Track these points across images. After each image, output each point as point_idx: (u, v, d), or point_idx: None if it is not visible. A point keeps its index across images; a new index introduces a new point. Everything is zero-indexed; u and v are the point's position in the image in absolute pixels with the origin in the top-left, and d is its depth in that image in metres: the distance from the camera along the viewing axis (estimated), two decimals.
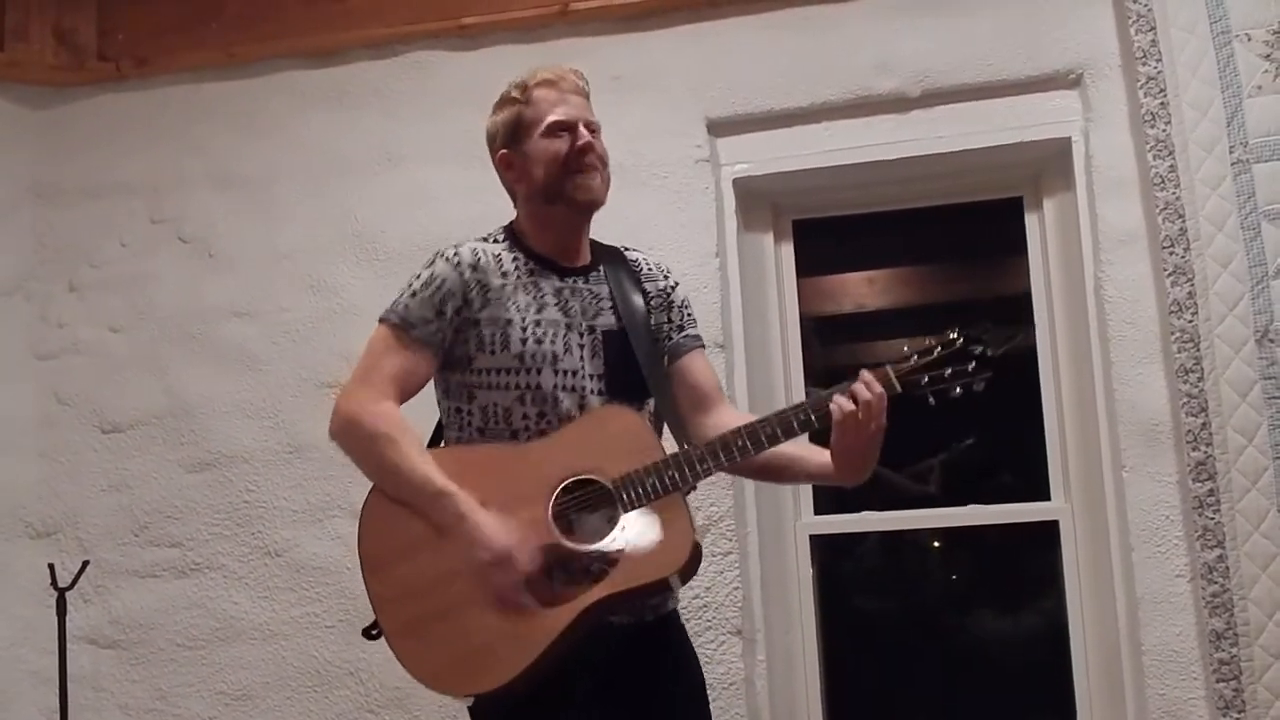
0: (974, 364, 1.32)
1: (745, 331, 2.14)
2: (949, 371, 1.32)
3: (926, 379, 1.32)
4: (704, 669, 2.02)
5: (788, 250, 2.25)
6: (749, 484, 2.10)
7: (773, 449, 1.35)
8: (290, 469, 2.22)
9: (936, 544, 2.27)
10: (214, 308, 2.29)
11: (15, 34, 2.35)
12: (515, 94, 1.46)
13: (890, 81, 2.09)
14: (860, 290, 2.37)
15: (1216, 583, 1.85)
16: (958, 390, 1.32)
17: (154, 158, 2.35)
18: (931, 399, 1.33)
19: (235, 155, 2.33)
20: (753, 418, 1.39)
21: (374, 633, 1.36)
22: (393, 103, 2.28)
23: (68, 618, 2.09)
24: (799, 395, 2.20)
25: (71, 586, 2.10)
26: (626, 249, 1.54)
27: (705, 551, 2.02)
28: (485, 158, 2.22)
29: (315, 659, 2.17)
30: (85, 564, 2.16)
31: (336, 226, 2.27)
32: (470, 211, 2.23)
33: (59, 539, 2.28)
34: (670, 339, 1.50)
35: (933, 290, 2.41)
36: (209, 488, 2.24)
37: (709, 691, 1.97)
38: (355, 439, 1.37)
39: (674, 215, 2.14)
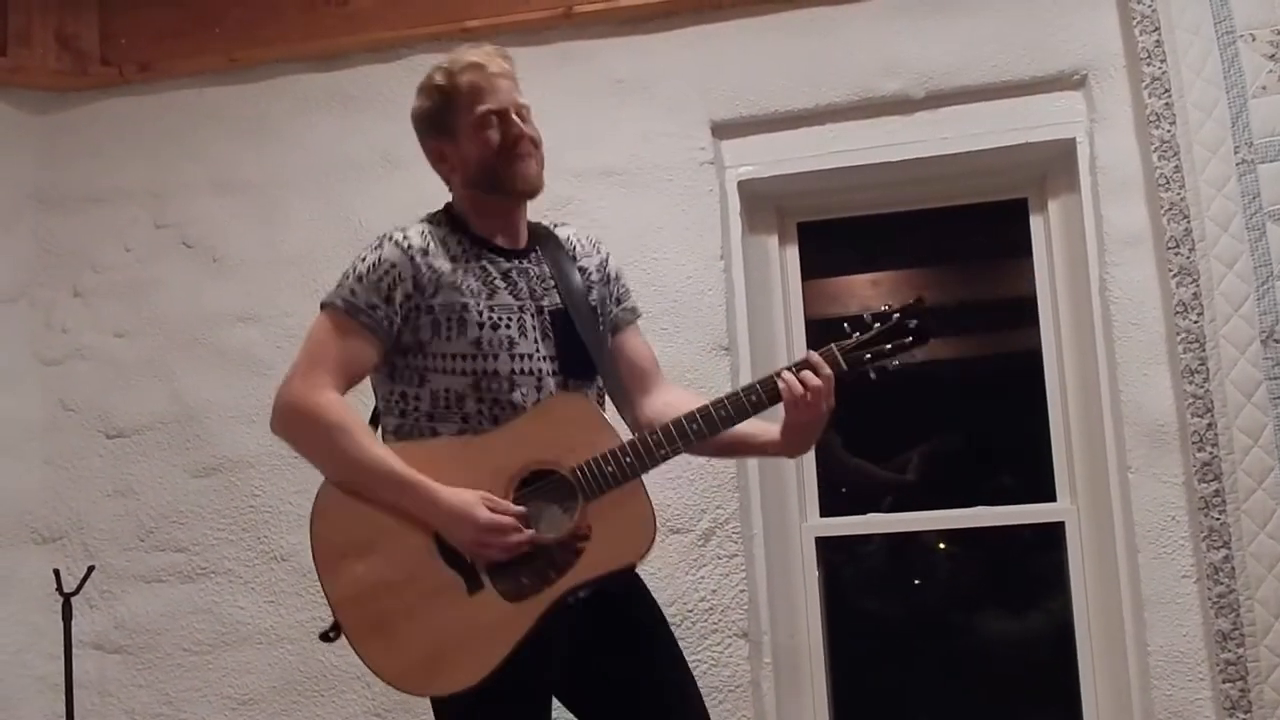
0: (910, 338, 1.36)
1: (750, 334, 2.14)
2: (889, 345, 1.36)
3: (869, 355, 1.36)
4: (710, 672, 2.03)
5: (792, 252, 2.25)
6: (755, 486, 2.10)
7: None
8: (295, 473, 2.22)
9: (942, 545, 2.27)
10: (218, 313, 2.29)
11: (18, 39, 2.34)
12: (440, 80, 1.43)
13: (895, 83, 2.09)
14: (865, 292, 2.37)
15: (1222, 583, 1.85)
16: (895, 362, 1.37)
17: (157, 163, 2.35)
18: (873, 374, 1.37)
19: (238, 160, 2.32)
20: (698, 399, 1.41)
21: (331, 635, 1.33)
22: (395, 106, 2.26)
23: (73, 623, 2.09)
24: None
25: (77, 592, 2.11)
26: (556, 225, 1.52)
27: (711, 554, 2.05)
28: None
29: (321, 663, 2.17)
30: (91, 569, 2.16)
31: (340, 230, 2.27)
32: None
33: (64, 544, 2.28)
34: (610, 313, 1.50)
35: (937, 292, 2.41)
36: (214, 492, 2.24)
37: (716, 694, 1.99)
38: (304, 430, 1.34)
39: (678, 218, 2.14)
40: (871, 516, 2.18)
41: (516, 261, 1.43)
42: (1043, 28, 2.05)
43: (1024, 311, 2.14)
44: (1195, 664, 1.87)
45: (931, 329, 1.36)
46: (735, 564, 2.04)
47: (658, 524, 1.34)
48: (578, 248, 1.50)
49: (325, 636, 1.34)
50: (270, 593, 2.21)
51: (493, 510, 1.30)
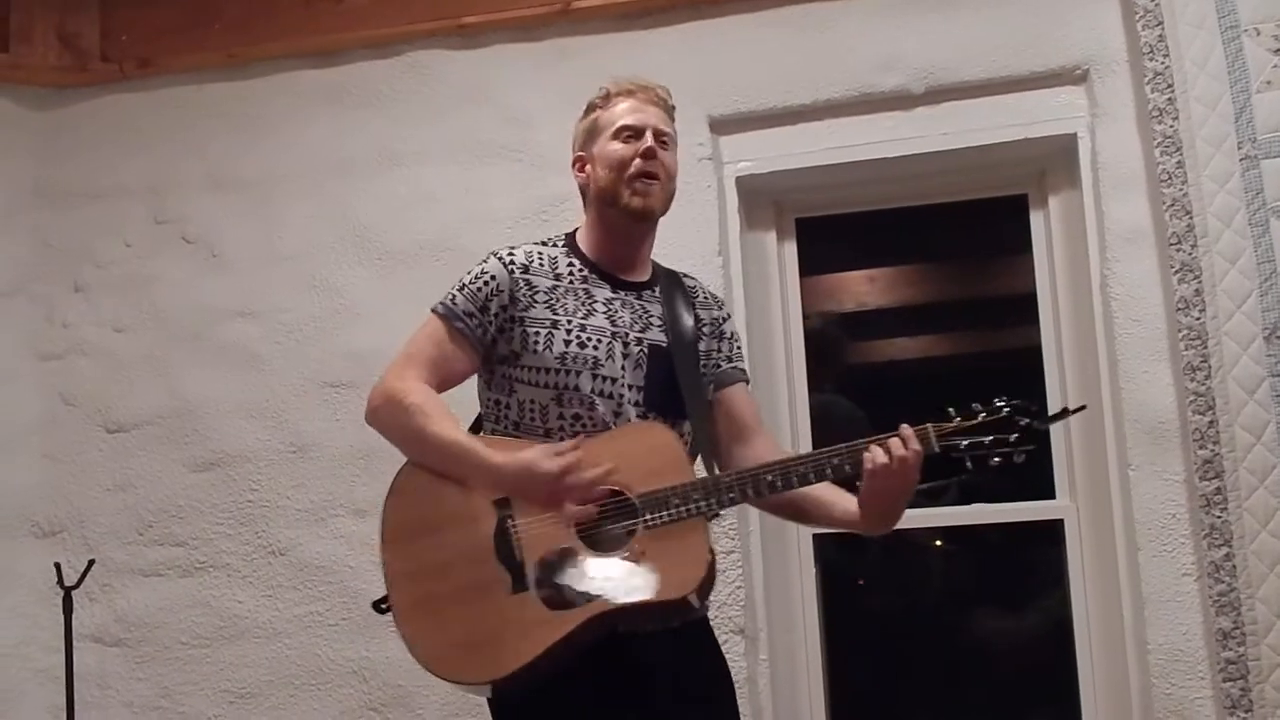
0: (1016, 435, 1.32)
1: (748, 330, 2.13)
2: (990, 439, 1.32)
3: (966, 443, 1.32)
4: None
5: (791, 248, 2.24)
6: None
7: (799, 489, 1.37)
8: (293, 468, 2.23)
9: (939, 542, 2.26)
10: (217, 308, 2.30)
11: (19, 36, 2.36)
12: (598, 100, 1.50)
13: (894, 78, 2.08)
14: (863, 288, 2.36)
15: (1223, 581, 1.83)
16: (996, 460, 1.32)
17: (156, 159, 2.36)
18: (969, 463, 1.33)
19: (237, 156, 2.33)
20: (786, 452, 1.43)
21: (383, 606, 1.37)
22: (393, 103, 2.28)
23: (74, 616, 2.11)
24: (801, 394, 2.20)
25: (77, 585, 2.12)
26: (685, 275, 1.56)
27: None
28: (485, 157, 2.25)
29: (318, 657, 2.18)
30: (91, 563, 2.17)
31: (337, 227, 2.27)
32: (470, 211, 2.24)
33: (65, 538, 2.29)
34: (719, 367, 1.52)
35: (937, 289, 2.40)
36: (213, 487, 2.25)
37: None
38: (386, 412, 1.39)
39: (676, 214, 2.07)
40: None
41: (624, 293, 1.46)
42: (1044, 22, 2.04)
43: (1024, 308, 2.13)
44: (1196, 662, 1.86)
45: (1039, 434, 1.31)
46: (732, 560, 2.04)
47: (715, 568, 1.33)
48: (699, 298, 1.54)
49: (377, 606, 1.38)
50: (268, 587, 2.21)
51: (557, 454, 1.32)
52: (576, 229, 1.52)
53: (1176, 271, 1.90)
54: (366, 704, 2.15)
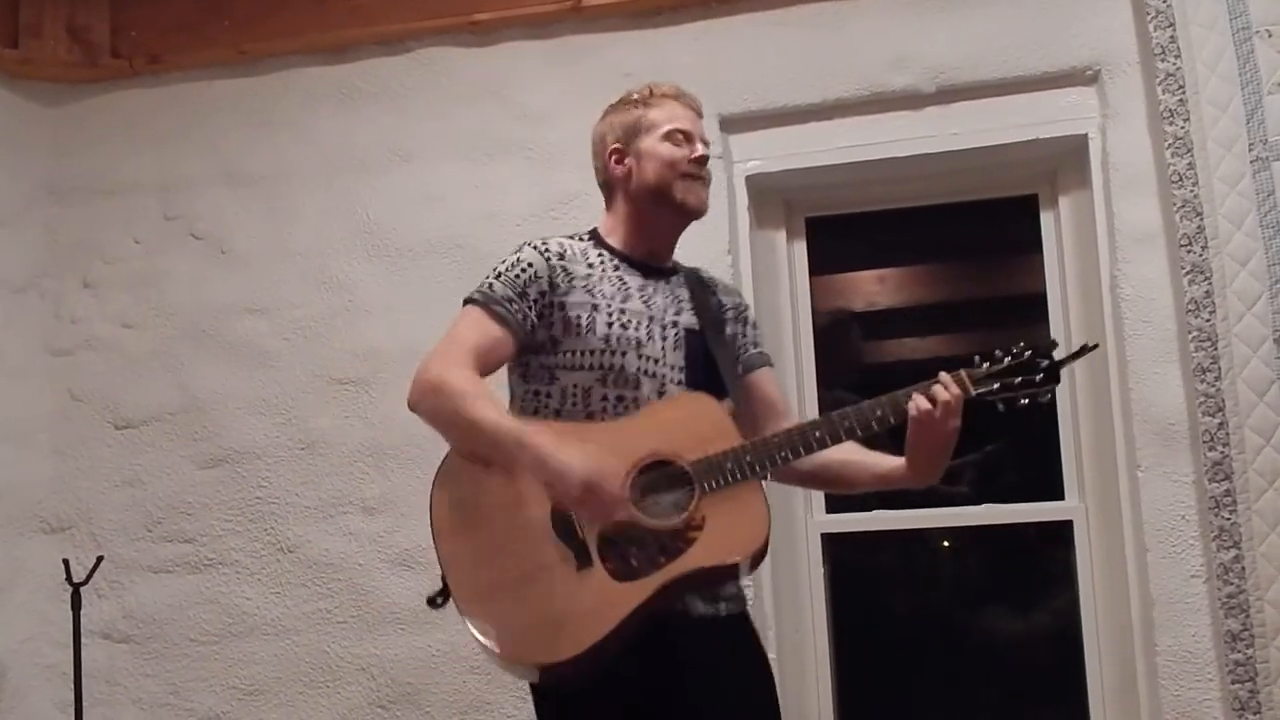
0: (1041, 376, 1.38)
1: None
2: (1019, 380, 1.38)
3: (998, 385, 1.37)
4: None
5: (800, 247, 2.24)
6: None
7: (832, 454, 1.41)
8: (302, 465, 2.23)
9: (946, 543, 2.26)
10: (226, 304, 2.30)
11: (29, 31, 2.36)
12: (638, 97, 1.52)
13: (905, 78, 2.08)
14: (872, 288, 2.36)
15: (1232, 583, 1.84)
16: (1024, 400, 1.38)
17: (166, 154, 2.36)
18: (1001, 405, 1.38)
19: (247, 152, 2.33)
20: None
21: (439, 601, 1.35)
22: (404, 99, 2.28)
23: (82, 612, 2.11)
24: (811, 393, 2.20)
25: (86, 582, 2.12)
26: (700, 269, 1.59)
27: None
28: (496, 154, 2.24)
29: (327, 654, 2.18)
30: (99, 559, 2.17)
31: (348, 223, 2.27)
32: (480, 208, 2.24)
33: (73, 534, 2.30)
34: (745, 351, 1.55)
35: (947, 289, 2.40)
36: (221, 484, 2.25)
37: None
38: (433, 400, 1.37)
39: None
40: (878, 513, 2.17)
41: (654, 280, 1.49)
42: (1056, 22, 2.04)
43: (1034, 308, 2.13)
44: (1204, 665, 1.86)
45: (1059, 373, 1.38)
46: None
47: (770, 526, 1.35)
48: (720, 285, 1.58)
49: (432, 602, 1.36)
50: (277, 584, 2.22)
51: (603, 481, 1.30)
52: (596, 228, 1.53)
53: (1187, 273, 1.90)
54: (374, 701, 2.15)
